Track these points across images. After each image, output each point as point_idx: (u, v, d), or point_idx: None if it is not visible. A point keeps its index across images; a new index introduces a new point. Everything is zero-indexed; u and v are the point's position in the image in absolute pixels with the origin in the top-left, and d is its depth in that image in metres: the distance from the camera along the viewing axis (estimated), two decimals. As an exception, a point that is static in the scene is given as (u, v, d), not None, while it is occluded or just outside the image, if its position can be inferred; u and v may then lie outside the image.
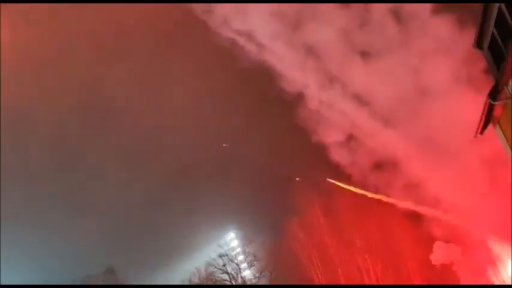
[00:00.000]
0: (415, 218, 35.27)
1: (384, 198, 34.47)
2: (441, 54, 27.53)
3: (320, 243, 40.36)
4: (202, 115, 42.33)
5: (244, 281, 43.10)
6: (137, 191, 44.86)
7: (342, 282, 39.57)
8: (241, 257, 44.16)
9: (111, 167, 44.77)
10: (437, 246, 33.51)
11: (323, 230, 40.51)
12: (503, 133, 15.80)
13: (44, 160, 42.86)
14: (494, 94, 14.34)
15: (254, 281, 43.17)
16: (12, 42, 38.15)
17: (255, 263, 43.41)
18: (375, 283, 40.17)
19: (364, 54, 30.44)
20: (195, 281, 41.87)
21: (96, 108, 42.64)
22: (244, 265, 43.79)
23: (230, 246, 45.71)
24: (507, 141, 15.83)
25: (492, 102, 14.48)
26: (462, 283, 32.28)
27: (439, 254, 32.51)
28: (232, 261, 43.60)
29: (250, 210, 45.56)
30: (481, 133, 16.70)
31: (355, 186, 36.84)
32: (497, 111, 15.37)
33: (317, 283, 39.88)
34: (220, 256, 43.60)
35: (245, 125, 40.54)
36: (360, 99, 31.98)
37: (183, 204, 48.21)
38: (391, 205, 35.55)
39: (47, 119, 42.68)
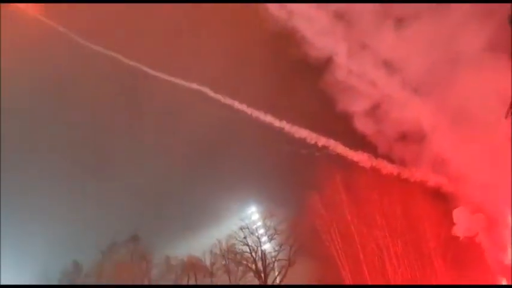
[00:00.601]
0: (439, 195, 34.74)
1: (409, 173, 33.84)
2: (476, 22, 26.45)
3: (340, 219, 40.48)
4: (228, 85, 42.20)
5: (265, 254, 43.77)
6: (164, 162, 45.74)
7: (361, 258, 39.70)
8: (262, 231, 44.74)
9: (139, 137, 45.84)
10: (460, 213, 32.61)
11: (344, 206, 40.58)
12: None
13: (75, 125, 44.18)
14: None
15: (274, 254, 43.77)
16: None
17: (275, 236, 43.96)
18: (394, 261, 40.13)
19: (397, 20, 29.62)
20: (217, 251, 42.81)
21: (127, 74, 43.25)
22: (264, 238, 44.39)
23: (251, 219, 46.29)
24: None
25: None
26: (485, 259, 31.76)
27: (462, 222, 31.70)
28: (253, 234, 44.28)
29: (272, 185, 45.79)
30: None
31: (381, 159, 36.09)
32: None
33: (336, 258, 40.12)
34: (242, 229, 44.35)
35: (270, 93, 40.46)
36: (390, 67, 31.22)
37: (207, 177, 49.15)
38: (415, 181, 35.05)
39: (79, 86, 43.94)
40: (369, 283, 38.82)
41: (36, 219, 41.42)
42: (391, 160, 35.81)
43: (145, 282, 38.26)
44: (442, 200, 37.65)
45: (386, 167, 35.07)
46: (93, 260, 39.18)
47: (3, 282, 36.44)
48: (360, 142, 36.13)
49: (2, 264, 36.66)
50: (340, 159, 38.69)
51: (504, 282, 32.65)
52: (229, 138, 45.44)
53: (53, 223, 42.32)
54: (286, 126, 39.19)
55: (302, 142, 37.99)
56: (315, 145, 36.64)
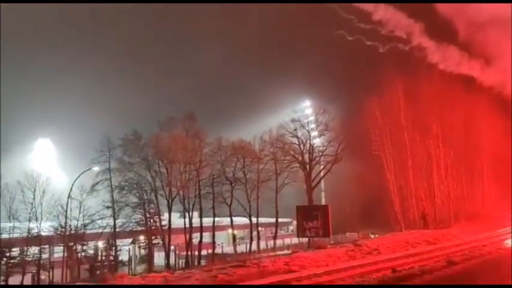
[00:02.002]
0: (504, 109, 32.96)
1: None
2: None
3: (395, 124, 39.98)
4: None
5: (312, 147, 44.67)
6: (229, 47, 45.77)
7: (409, 165, 39.88)
8: (313, 125, 45.16)
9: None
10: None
11: (401, 112, 39.77)
12: None
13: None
14: None
15: (321, 149, 44.60)
16: None
17: (325, 132, 44.37)
18: (443, 171, 40.10)
19: None
20: (266, 138, 43.91)
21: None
22: (314, 133, 44.94)
23: (304, 113, 46.59)
24: None
25: None
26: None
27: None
28: (303, 127, 44.84)
29: (329, 82, 45.21)
30: None
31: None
32: None
33: (383, 161, 40.55)
34: (293, 121, 44.90)
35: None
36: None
37: (267, 68, 49.17)
38: (481, 92, 33.12)
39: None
40: (412, 188, 39.45)
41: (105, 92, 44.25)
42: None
43: (197, 158, 40.54)
44: (505, 119, 35.85)
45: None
46: (151, 132, 41.60)
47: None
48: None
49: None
50: (405, 62, 36.62)
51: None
52: (294, 30, 44.03)
53: (118, 97, 45.13)
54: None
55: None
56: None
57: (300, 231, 30.84)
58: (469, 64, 30.99)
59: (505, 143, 36.36)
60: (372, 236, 31.13)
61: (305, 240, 34.07)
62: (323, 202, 44.09)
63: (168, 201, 38.97)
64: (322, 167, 45.02)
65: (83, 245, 34.24)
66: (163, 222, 38.43)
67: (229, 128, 45.57)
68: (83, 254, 34.07)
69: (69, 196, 32.21)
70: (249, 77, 49.04)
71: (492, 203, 40.84)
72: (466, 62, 31.08)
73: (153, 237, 37.55)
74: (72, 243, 33.40)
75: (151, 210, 38.90)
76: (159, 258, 37.14)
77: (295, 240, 38.71)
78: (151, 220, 38.13)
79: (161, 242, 37.71)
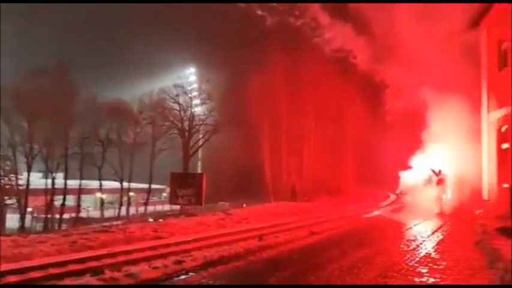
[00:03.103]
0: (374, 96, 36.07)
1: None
2: None
3: (273, 99, 41.31)
4: None
5: (193, 115, 44.12)
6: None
7: (283, 140, 41.86)
8: (195, 93, 44.44)
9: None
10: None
11: (280, 88, 41.21)
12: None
13: None
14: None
15: (202, 118, 44.29)
16: None
17: (207, 101, 44.04)
18: (312, 149, 42.99)
19: None
20: (146, 101, 42.09)
21: None
22: (196, 101, 44.33)
23: (188, 79, 45.51)
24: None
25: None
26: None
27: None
28: (186, 94, 43.88)
29: (218, 51, 44.69)
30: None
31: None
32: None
33: (261, 136, 41.86)
34: (176, 86, 43.60)
35: None
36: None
37: (153, 27, 46.46)
38: (358, 77, 35.68)
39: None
40: (284, 162, 41.62)
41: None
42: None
43: (66, 115, 37.11)
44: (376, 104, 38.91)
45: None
46: (13, 82, 36.51)
47: None
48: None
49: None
50: (293, 37, 37.50)
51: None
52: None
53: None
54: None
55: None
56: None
57: (173, 199, 30.46)
58: (354, 44, 32.86)
59: (368, 128, 40.18)
60: (244, 205, 32.10)
61: (177, 207, 33.95)
62: (199, 171, 44.05)
63: (28, 159, 35.35)
64: (201, 136, 44.86)
65: None
66: (20, 182, 34.80)
67: (106, 85, 42.50)
68: None
69: None
70: (134, 35, 46.03)
71: (351, 182, 45.17)
72: (353, 41, 32.82)
73: (6, 198, 33.79)
74: None
75: (7, 168, 35.00)
76: (12, 220, 33.59)
77: (167, 207, 38.25)
78: (6, 178, 34.27)
79: (17, 204, 34.21)
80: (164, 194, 46.95)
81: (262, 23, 34.75)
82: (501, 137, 15.21)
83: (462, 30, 18.11)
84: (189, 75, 45.85)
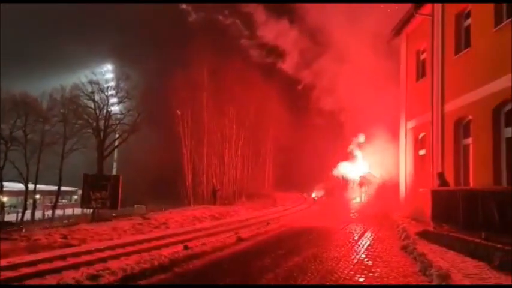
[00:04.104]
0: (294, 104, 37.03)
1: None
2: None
3: (197, 100, 40.63)
4: None
5: (110, 114, 41.91)
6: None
7: (204, 143, 41.26)
8: (113, 91, 42.27)
9: None
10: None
11: (204, 89, 40.67)
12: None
13: None
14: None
15: (119, 117, 42.30)
16: None
17: (125, 100, 42.14)
18: (233, 152, 42.92)
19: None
20: (57, 97, 39.18)
21: None
22: (113, 100, 42.17)
23: (104, 76, 43.20)
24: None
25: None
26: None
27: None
28: (102, 91, 41.54)
29: (139, 47, 43.05)
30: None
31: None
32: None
33: (182, 137, 40.83)
34: (91, 83, 41.18)
35: None
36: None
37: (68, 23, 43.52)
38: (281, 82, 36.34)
39: None
40: (205, 165, 41.03)
41: None
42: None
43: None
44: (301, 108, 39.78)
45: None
46: None
47: None
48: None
49: None
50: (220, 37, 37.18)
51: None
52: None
53: None
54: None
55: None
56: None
57: (85, 202, 28.40)
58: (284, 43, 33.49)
59: (292, 132, 41.13)
60: (163, 209, 30.99)
61: (89, 211, 31.75)
62: (114, 172, 41.89)
63: None
64: (117, 135, 42.75)
65: None
66: None
67: (12, 78, 38.98)
68: None
69: None
70: (45, 25, 42.72)
71: (270, 185, 45.87)
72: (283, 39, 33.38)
73: None
74: None
75: None
76: None
77: (78, 211, 35.74)
78: None
79: None
80: (75, 197, 43.98)
81: (185, 19, 33.99)
82: (418, 144, 16.14)
83: (388, 38, 18.80)
84: (106, 72, 43.64)
